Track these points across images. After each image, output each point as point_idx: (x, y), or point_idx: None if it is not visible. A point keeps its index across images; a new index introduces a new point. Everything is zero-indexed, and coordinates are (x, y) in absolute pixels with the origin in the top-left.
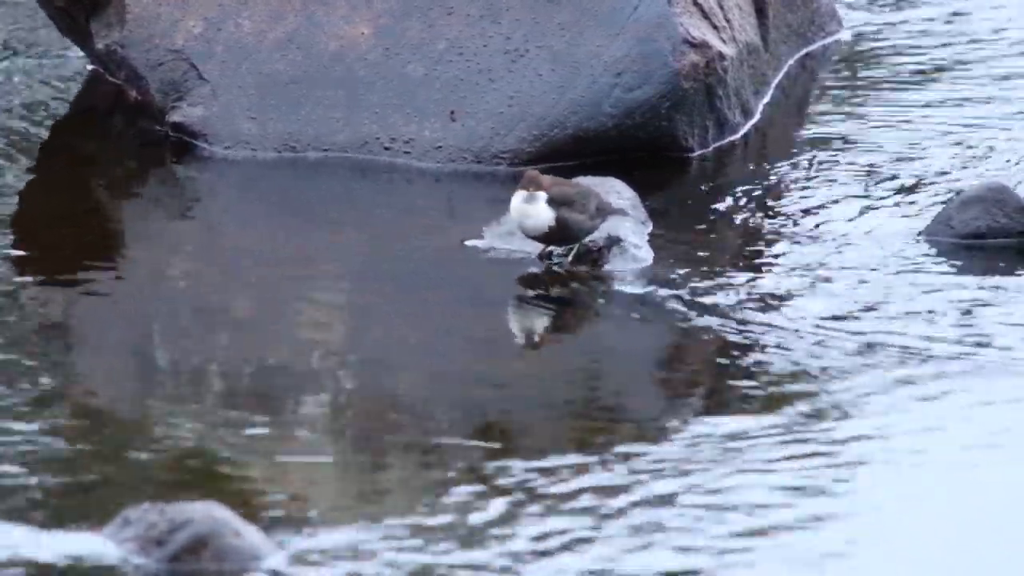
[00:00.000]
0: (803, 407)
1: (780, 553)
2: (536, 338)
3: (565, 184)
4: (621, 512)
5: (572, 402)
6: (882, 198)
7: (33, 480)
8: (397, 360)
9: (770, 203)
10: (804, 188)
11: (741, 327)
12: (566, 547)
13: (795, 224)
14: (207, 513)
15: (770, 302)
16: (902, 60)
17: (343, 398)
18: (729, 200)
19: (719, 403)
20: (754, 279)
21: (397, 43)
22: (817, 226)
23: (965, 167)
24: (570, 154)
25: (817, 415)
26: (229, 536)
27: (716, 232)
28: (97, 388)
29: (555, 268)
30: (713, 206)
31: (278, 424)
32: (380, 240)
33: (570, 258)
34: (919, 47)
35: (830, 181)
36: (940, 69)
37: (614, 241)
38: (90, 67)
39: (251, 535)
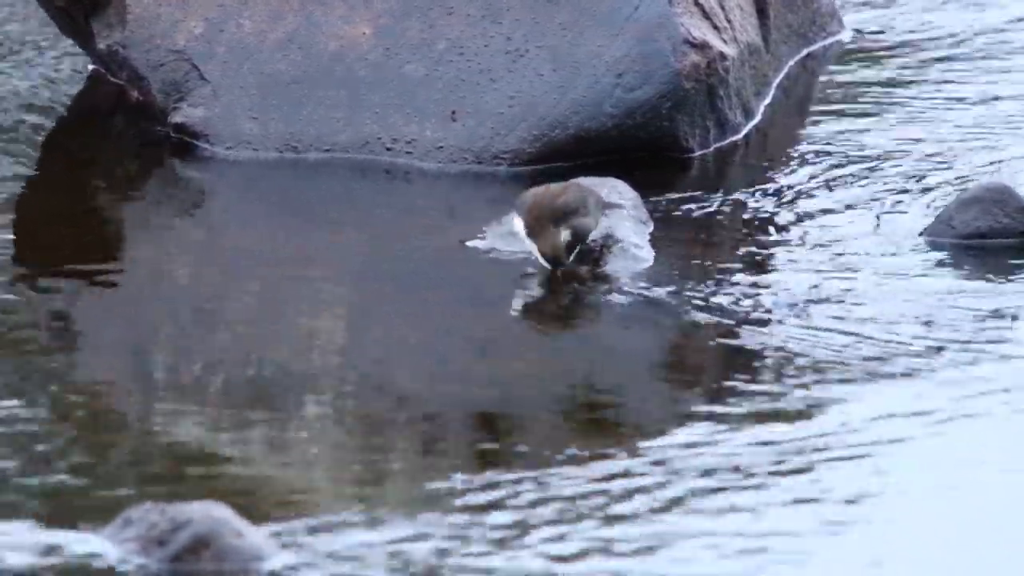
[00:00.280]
0: (804, 408)
1: (784, 555)
2: (536, 338)
3: (564, 192)
4: (623, 512)
5: (573, 402)
6: (883, 198)
7: (32, 480)
8: (397, 360)
9: (771, 203)
10: (805, 189)
11: (742, 327)
12: (568, 547)
13: (796, 224)
14: (208, 513)
15: (771, 302)
16: (904, 60)
17: (344, 398)
18: (730, 200)
19: (720, 404)
20: (755, 279)
21: (397, 43)
22: (818, 226)
23: (968, 167)
24: (571, 154)
25: (818, 416)
26: (230, 536)
27: (717, 232)
28: (97, 387)
29: (557, 269)
30: (714, 206)
31: (279, 424)
32: (381, 240)
33: (571, 258)
34: (921, 47)
35: (831, 181)
36: (942, 69)
37: (613, 240)
38: (91, 67)
39: (253, 535)
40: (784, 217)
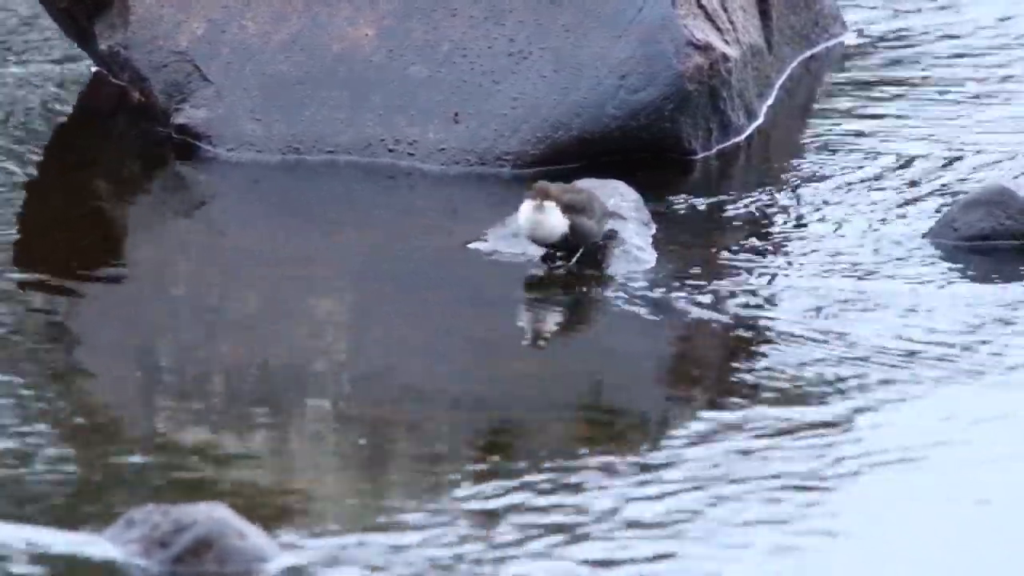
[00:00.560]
0: (807, 409)
1: (786, 554)
2: (539, 340)
3: (573, 190)
4: (626, 513)
5: (575, 404)
6: (886, 200)
7: (36, 481)
8: (399, 361)
9: (773, 205)
10: (807, 190)
11: (744, 329)
12: (570, 548)
13: (798, 226)
14: (211, 515)
15: (773, 304)
16: (906, 62)
17: (346, 399)
18: (733, 202)
19: (722, 405)
20: (757, 281)
21: (400, 45)
22: (820, 228)
23: (969, 169)
24: (574, 156)
25: (821, 417)
26: (233, 538)
27: (719, 234)
28: (100, 389)
29: (559, 270)
30: (717, 208)
31: (281, 425)
32: (382, 241)
33: (574, 261)
34: (923, 49)
35: (833, 183)
36: (944, 71)
37: (612, 237)
38: (94, 69)
39: (255, 537)
40: (786, 218)
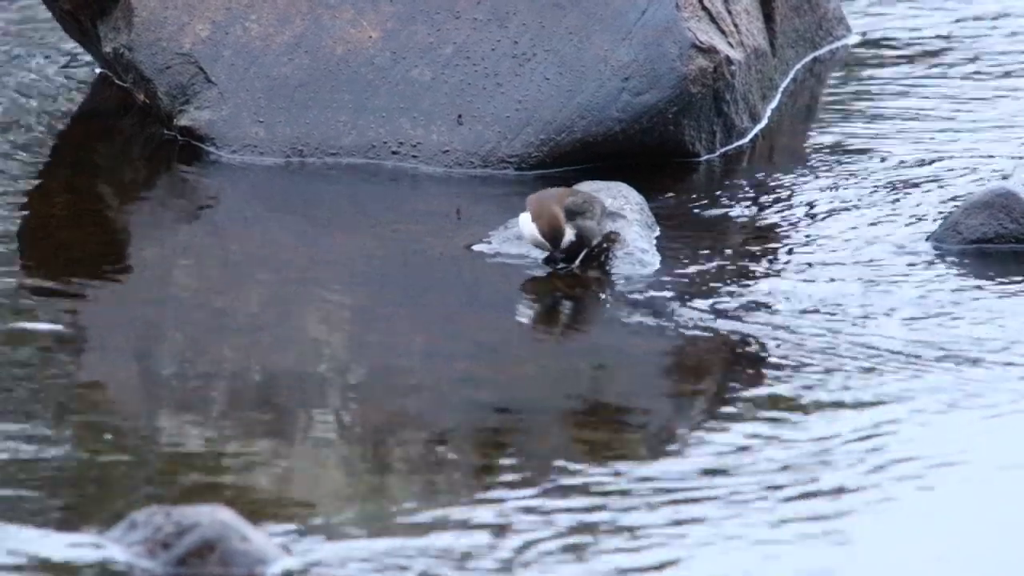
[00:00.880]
0: (809, 414)
1: (792, 558)
2: (542, 342)
3: (570, 193)
4: (627, 519)
5: (578, 407)
6: (890, 203)
7: (39, 483)
8: (403, 363)
9: (777, 208)
10: (811, 193)
11: (748, 332)
12: (572, 553)
13: (802, 229)
14: (214, 517)
15: (777, 307)
16: (910, 65)
17: (349, 402)
18: (736, 205)
19: (725, 409)
20: (761, 284)
21: (404, 47)
22: (823, 231)
23: (973, 172)
24: (577, 159)
25: (824, 421)
26: (236, 540)
27: (723, 237)
28: (103, 391)
29: (561, 271)
30: (720, 211)
31: (284, 428)
32: (386, 244)
33: (578, 262)
34: (927, 52)
35: (837, 186)
36: (948, 74)
37: (614, 239)
38: (98, 71)
39: (258, 539)
40: (790, 221)
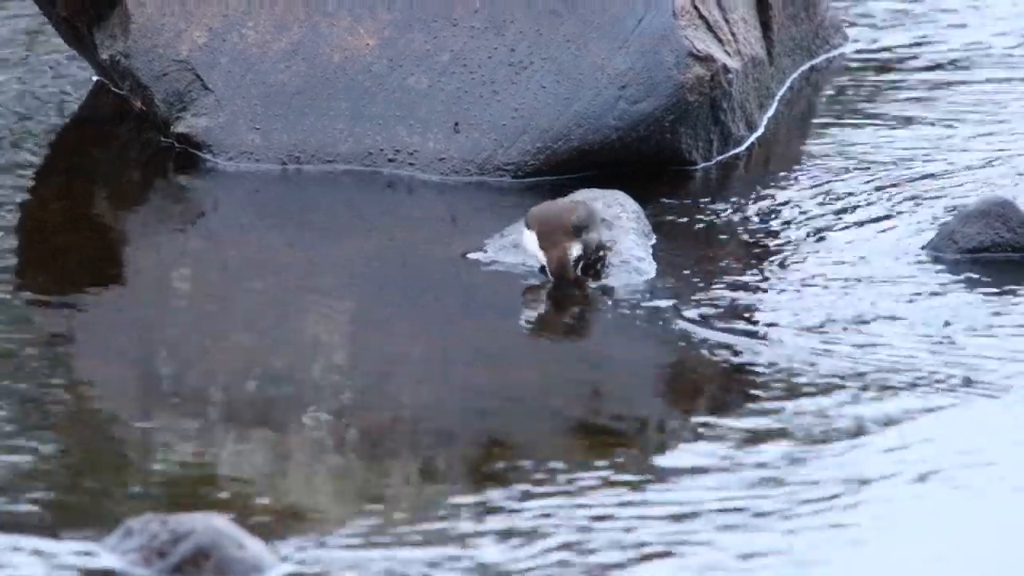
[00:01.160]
0: (807, 424)
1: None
2: (538, 351)
3: (575, 209)
4: (628, 528)
5: (574, 415)
6: (886, 212)
7: (33, 490)
8: (399, 372)
9: (774, 217)
10: (808, 202)
11: (744, 341)
12: (571, 560)
13: (799, 238)
14: (209, 524)
15: (774, 316)
16: (907, 74)
17: (345, 410)
18: (733, 213)
19: (722, 417)
20: (758, 293)
21: (401, 55)
22: (820, 240)
23: (970, 181)
24: (574, 167)
25: (821, 432)
26: (232, 548)
27: (720, 245)
28: (99, 398)
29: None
30: (717, 219)
31: (281, 435)
32: (382, 252)
33: (577, 270)
34: (924, 61)
35: (834, 195)
36: (945, 83)
37: (609, 247)
38: (94, 78)
39: (254, 547)
40: (786, 230)
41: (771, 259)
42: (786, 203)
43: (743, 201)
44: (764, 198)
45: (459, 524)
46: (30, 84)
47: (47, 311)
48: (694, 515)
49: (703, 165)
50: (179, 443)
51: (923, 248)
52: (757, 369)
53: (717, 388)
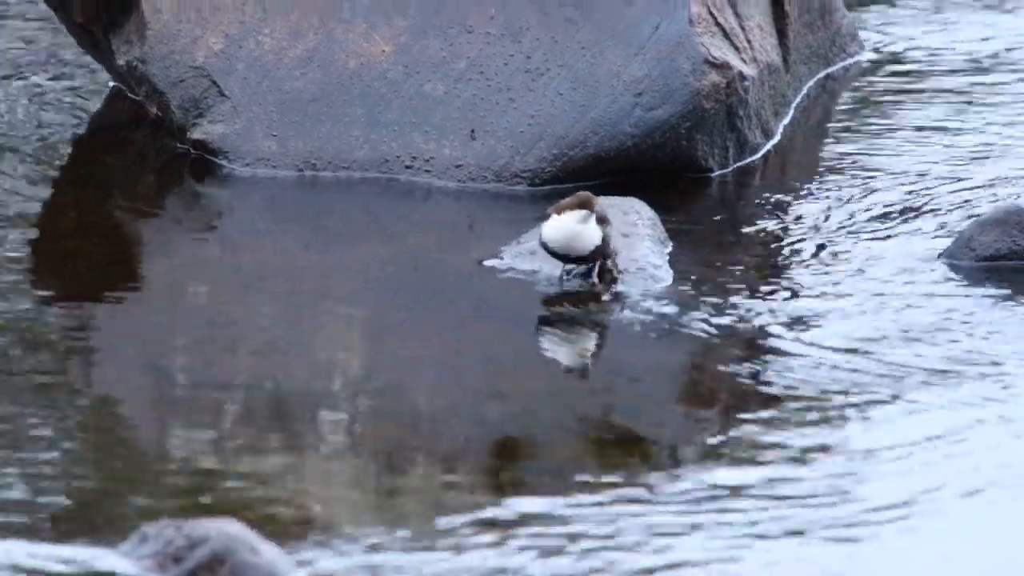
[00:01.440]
0: (822, 431)
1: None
2: (553, 358)
3: (597, 203)
4: (640, 535)
5: (590, 422)
6: (902, 220)
7: (50, 496)
8: (414, 378)
9: (790, 224)
10: (824, 209)
11: (760, 349)
12: (587, 567)
13: (814, 245)
14: (224, 530)
15: (789, 324)
16: (923, 82)
17: (360, 415)
18: (749, 221)
19: (737, 425)
20: (773, 301)
21: (417, 61)
22: (836, 247)
23: (986, 189)
24: (590, 174)
25: (836, 439)
26: (246, 553)
27: (735, 253)
28: (115, 403)
29: (578, 287)
30: (733, 227)
31: (295, 441)
32: (398, 258)
33: (595, 275)
34: (941, 69)
35: (850, 202)
36: (962, 91)
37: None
38: (111, 84)
39: (268, 552)
40: (802, 238)
41: (787, 266)
42: (802, 210)
43: (759, 209)
44: (780, 206)
45: (473, 530)
46: (46, 90)
47: (63, 317)
48: (711, 523)
49: (719, 172)
50: (194, 449)
51: (940, 256)
52: (772, 377)
53: (732, 396)
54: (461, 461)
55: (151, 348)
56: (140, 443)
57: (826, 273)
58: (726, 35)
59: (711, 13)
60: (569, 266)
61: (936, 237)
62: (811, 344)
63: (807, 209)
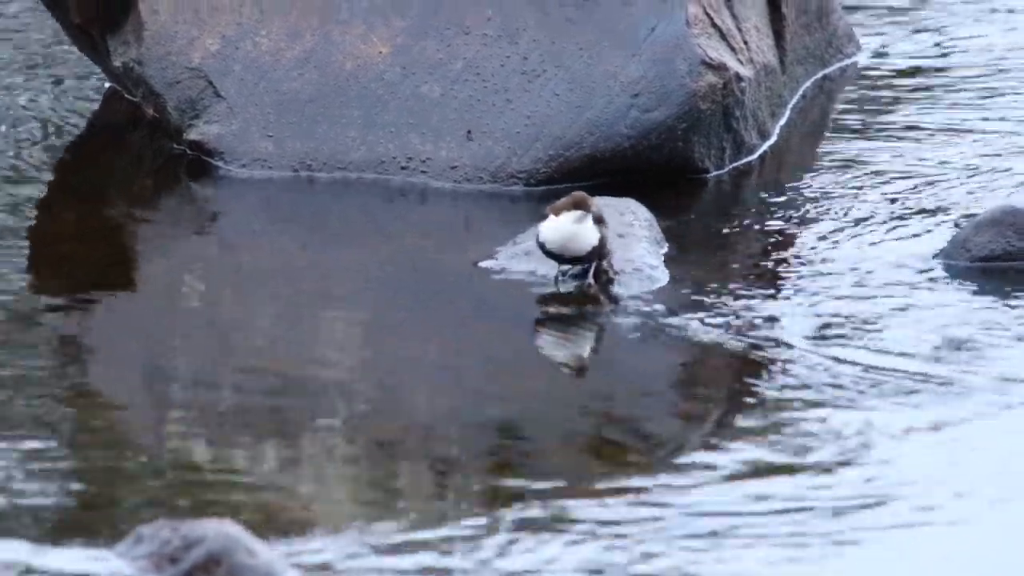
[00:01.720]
0: (819, 433)
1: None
2: (549, 359)
3: (593, 203)
4: (637, 538)
5: (585, 424)
6: (898, 220)
7: (46, 496)
8: (410, 379)
9: (786, 225)
10: (820, 210)
11: (756, 350)
12: (583, 569)
13: (811, 246)
14: (221, 530)
15: (785, 324)
16: (920, 83)
17: (356, 416)
18: (745, 222)
19: (733, 427)
20: (769, 301)
21: (414, 63)
22: (833, 248)
23: (982, 190)
24: (586, 175)
25: (833, 441)
26: (243, 554)
27: (732, 254)
28: (111, 404)
29: (573, 289)
30: (729, 228)
31: (292, 442)
32: (394, 259)
33: (591, 276)
34: (937, 70)
35: (846, 203)
36: (958, 92)
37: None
38: (107, 85)
39: (265, 553)
40: (798, 239)
41: (783, 267)
42: (798, 212)
43: (755, 210)
44: (776, 207)
45: (470, 532)
46: (42, 91)
47: (60, 317)
48: (708, 527)
49: (715, 173)
50: (191, 449)
51: (935, 257)
52: (769, 378)
53: (729, 397)
54: (459, 461)
55: (147, 349)
56: (137, 443)
57: (821, 274)
58: (723, 36)
59: (708, 14)
60: (565, 267)
61: (933, 237)
62: (806, 345)
63: (803, 209)
